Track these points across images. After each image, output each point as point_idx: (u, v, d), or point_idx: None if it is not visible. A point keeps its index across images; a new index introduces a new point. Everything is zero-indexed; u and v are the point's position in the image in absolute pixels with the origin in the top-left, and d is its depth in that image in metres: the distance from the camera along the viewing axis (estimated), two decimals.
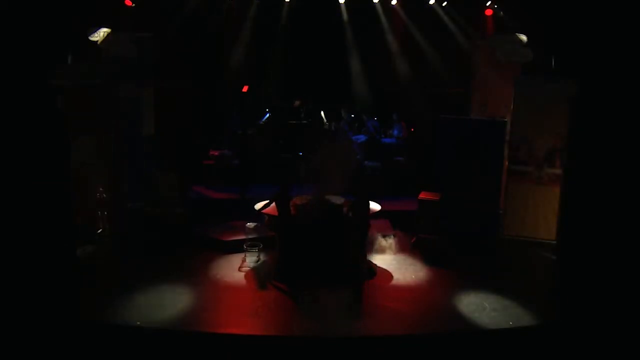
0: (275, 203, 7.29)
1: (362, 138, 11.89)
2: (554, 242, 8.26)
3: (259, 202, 7.81)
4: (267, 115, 12.08)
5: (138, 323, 5.97)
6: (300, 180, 8.70)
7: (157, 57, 9.98)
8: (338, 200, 7.54)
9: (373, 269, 7.67)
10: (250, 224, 7.83)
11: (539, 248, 8.49)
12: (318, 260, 7.11)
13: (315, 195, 7.51)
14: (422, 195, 8.51)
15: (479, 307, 6.53)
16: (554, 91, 8.52)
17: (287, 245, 7.42)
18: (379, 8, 12.04)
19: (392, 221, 9.03)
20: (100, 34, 8.70)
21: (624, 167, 6.91)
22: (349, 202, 7.46)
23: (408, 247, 8.50)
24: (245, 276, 7.41)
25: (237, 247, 8.06)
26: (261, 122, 11.95)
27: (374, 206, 7.90)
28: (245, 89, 11.62)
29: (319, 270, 7.05)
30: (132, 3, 9.41)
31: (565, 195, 7.61)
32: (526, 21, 9.26)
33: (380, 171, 11.28)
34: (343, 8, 12.21)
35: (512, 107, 9.03)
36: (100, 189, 8.45)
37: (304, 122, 11.86)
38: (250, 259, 7.75)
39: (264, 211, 7.45)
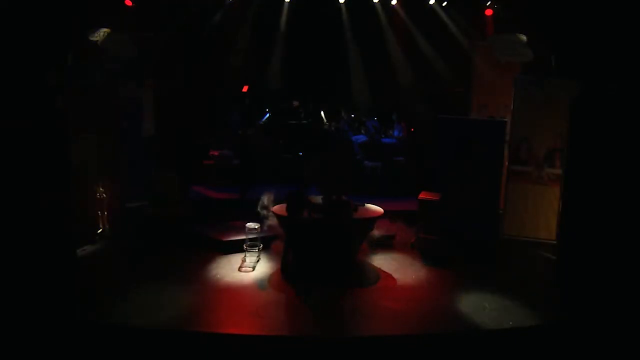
0: (292, 202, 7.28)
1: (362, 138, 11.89)
2: (554, 242, 8.25)
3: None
4: (267, 115, 12.09)
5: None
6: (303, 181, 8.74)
7: (157, 57, 9.98)
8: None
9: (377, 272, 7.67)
10: (250, 224, 7.83)
11: (539, 248, 8.49)
12: (327, 260, 7.11)
13: (327, 195, 7.49)
14: (422, 195, 8.51)
15: (479, 307, 6.51)
16: (554, 91, 8.51)
17: (297, 245, 7.41)
18: (379, 8, 12.05)
19: (392, 221, 9.02)
20: (100, 34, 8.68)
21: (624, 167, 6.90)
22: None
23: (408, 247, 8.51)
24: (246, 276, 7.41)
25: (237, 247, 8.06)
26: (261, 122, 11.96)
27: (377, 209, 7.90)
28: (245, 89, 11.63)
29: (327, 270, 7.05)
30: (132, 3, 9.40)
31: (566, 195, 7.59)
32: (526, 21, 9.25)
33: (380, 171, 11.29)
34: (343, 8, 12.22)
35: (512, 107, 9.04)
36: (100, 189, 8.45)
37: (304, 122, 11.87)
38: (250, 259, 7.75)
39: (279, 212, 7.43)
